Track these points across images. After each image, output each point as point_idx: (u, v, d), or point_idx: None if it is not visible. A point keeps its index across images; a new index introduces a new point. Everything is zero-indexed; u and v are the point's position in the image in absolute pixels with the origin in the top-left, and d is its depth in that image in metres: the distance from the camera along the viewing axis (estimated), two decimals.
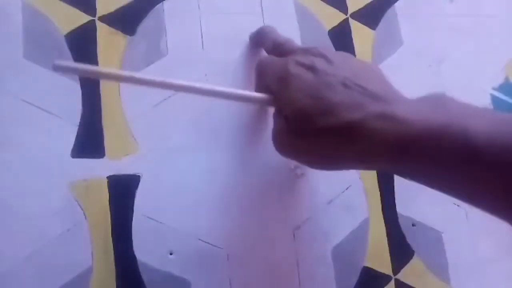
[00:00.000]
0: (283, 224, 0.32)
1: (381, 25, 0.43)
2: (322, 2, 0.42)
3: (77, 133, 0.33)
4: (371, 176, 0.40)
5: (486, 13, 0.47)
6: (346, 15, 0.42)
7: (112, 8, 0.36)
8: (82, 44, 0.35)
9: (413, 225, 0.40)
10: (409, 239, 0.40)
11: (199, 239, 0.34)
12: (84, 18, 0.35)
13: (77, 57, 0.34)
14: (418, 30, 0.44)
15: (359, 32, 0.42)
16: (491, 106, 0.45)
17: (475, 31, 0.46)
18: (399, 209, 0.40)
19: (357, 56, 0.42)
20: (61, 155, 0.33)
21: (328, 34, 0.41)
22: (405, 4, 0.44)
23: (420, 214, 0.40)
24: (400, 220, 0.40)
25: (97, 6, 0.36)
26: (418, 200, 0.41)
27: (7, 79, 0.33)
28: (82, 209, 0.32)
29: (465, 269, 0.41)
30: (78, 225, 0.32)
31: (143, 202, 0.34)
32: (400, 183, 0.40)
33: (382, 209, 0.40)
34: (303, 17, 0.40)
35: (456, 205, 0.41)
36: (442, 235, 0.41)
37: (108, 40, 0.35)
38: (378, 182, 0.40)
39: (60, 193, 0.32)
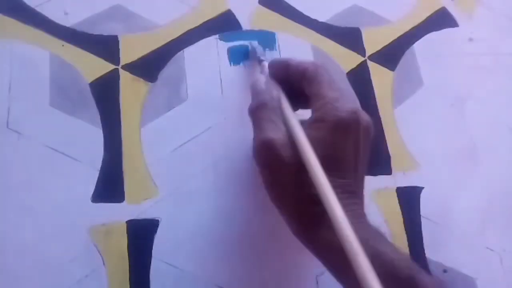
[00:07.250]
0: (306, 270, 0.31)
1: (400, 66, 0.43)
2: (339, 45, 0.42)
3: (98, 177, 0.34)
4: (396, 218, 0.38)
5: (506, 51, 0.46)
6: (364, 57, 0.43)
7: (135, 57, 0.38)
8: (106, 91, 0.36)
9: (444, 271, 0.38)
10: None
11: (218, 286, 0.33)
12: (108, 67, 0.37)
13: (100, 104, 0.35)
14: (438, 70, 0.44)
15: (378, 74, 0.42)
16: None
17: (496, 69, 0.45)
18: (428, 254, 0.38)
19: (377, 97, 0.41)
20: (81, 199, 0.33)
21: (346, 76, 0.41)
22: (424, 44, 0.44)
23: (451, 259, 0.38)
24: (430, 266, 0.38)
25: (120, 55, 0.37)
26: (448, 245, 0.39)
27: (33, 126, 0.34)
28: (100, 254, 0.32)
29: None
30: (96, 271, 0.32)
31: (161, 247, 0.33)
32: (428, 226, 0.38)
33: (410, 254, 0.38)
34: (321, 60, 0.41)
35: (489, 249, 0.39)
36: (477, 281, 0.38)
37: (130, 87, 0.37)
38: (404, 225, 0.38)
39: (80, 238, 0.32)
